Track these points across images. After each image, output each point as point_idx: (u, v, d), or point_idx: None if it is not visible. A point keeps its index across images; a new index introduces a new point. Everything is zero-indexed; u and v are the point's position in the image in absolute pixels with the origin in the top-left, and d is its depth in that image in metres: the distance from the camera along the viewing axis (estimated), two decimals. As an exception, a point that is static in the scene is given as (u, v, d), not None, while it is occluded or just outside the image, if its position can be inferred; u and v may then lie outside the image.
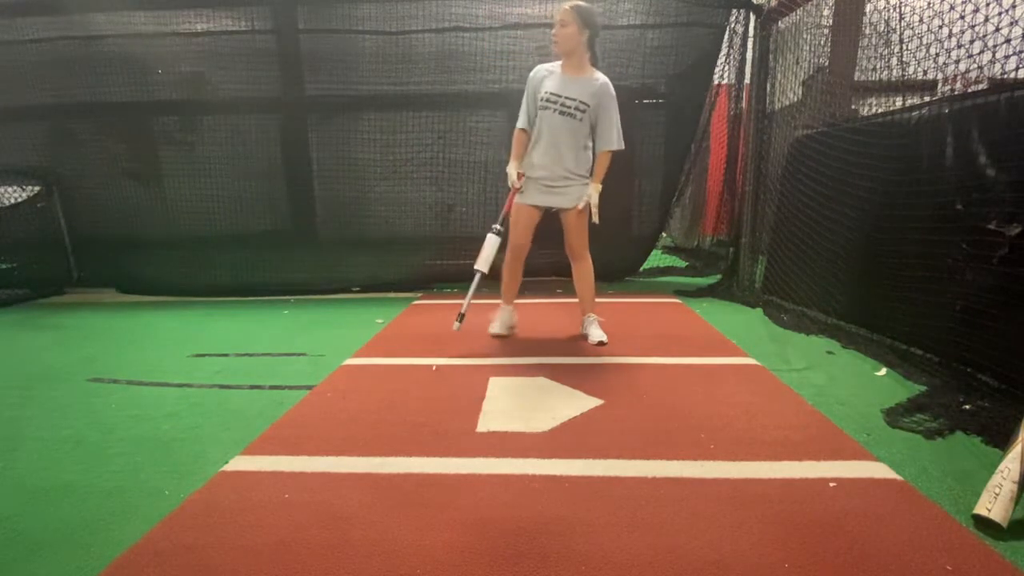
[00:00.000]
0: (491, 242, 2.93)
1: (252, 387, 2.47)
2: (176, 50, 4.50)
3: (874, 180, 2.81)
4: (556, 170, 2.83)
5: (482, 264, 2.93)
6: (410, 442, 1.88)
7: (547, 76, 2.80)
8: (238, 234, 4.69)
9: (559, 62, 2.81)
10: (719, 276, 4.62)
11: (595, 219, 2.85)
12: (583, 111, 2.74)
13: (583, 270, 3.02)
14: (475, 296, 3.01)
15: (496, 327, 3.12)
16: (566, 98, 2.74)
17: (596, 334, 3.01)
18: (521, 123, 2.89)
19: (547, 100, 2.76)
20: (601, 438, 1.90)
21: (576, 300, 3.15)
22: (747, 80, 4.33)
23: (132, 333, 3.52)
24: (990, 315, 2.14)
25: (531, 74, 2.85)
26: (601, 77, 2.79)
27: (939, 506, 1.48)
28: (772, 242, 3.84)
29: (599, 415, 2.09)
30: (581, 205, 2.83)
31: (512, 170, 2.89)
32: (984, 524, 1.38)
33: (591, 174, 2.88)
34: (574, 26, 2.67)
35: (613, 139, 2.79)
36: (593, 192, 2.82)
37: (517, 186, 2.89)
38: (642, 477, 1.65)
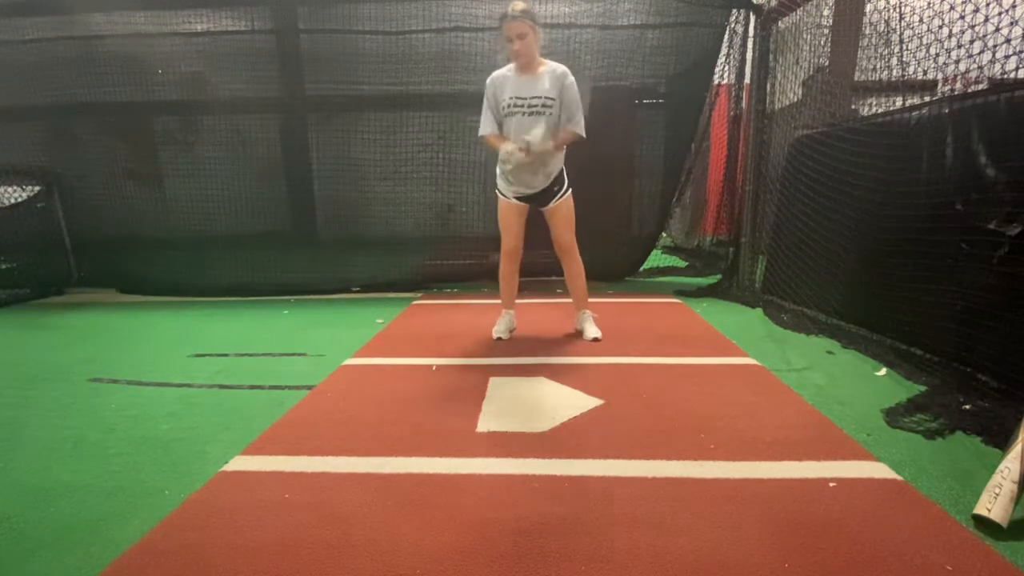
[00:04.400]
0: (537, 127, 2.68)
1: (252, 387, 2.47)
2: (176, 50, 4.50)
3: (874, 180, 2.81)
4: (535, 176, 2.83)
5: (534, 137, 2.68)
6: (410, 442, 1.88)
7: (504, 81, 2.78)
8: (238, 234, 4.69)
9: (511, 65, 2.79)
10: (719, 276, 4.62)
11: (532, 140, 2.64)
12: (550, 106, 2.73)
13: (574, 267, 3.06)
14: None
15: (499, 330, 3.14)
16: (531, 98, 2.72)
17: (591, 330, 3.07)
18: (486, 129, 2.84)
19: (513, 105, 2.75)
20: (601, 438, 1.90)
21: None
22: (747, 80, 4.33)
23: (132, 333, 3.52)
24: (990, 315, 2.14)
25: (490, 82, 2.81)
26: (559, 66, 2.77)
27: (939, 506, 1.48)
28: (772, 242, 3.84)
29: (599, 415, 2.09)
30: (527, 138, 2.65)
31: (508, 145, 2.68)
32: (984, 524, 1.38)
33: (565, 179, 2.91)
34: (532, 33, 2.67)
35: (580, 124, 2.78)
36: (542, 137, 2.65)
37: (523, 151, 2.67)
38: (642, 477, 1.65)
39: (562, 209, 2.93)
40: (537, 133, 2.64)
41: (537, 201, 2.93)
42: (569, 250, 3.01)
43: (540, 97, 2.72)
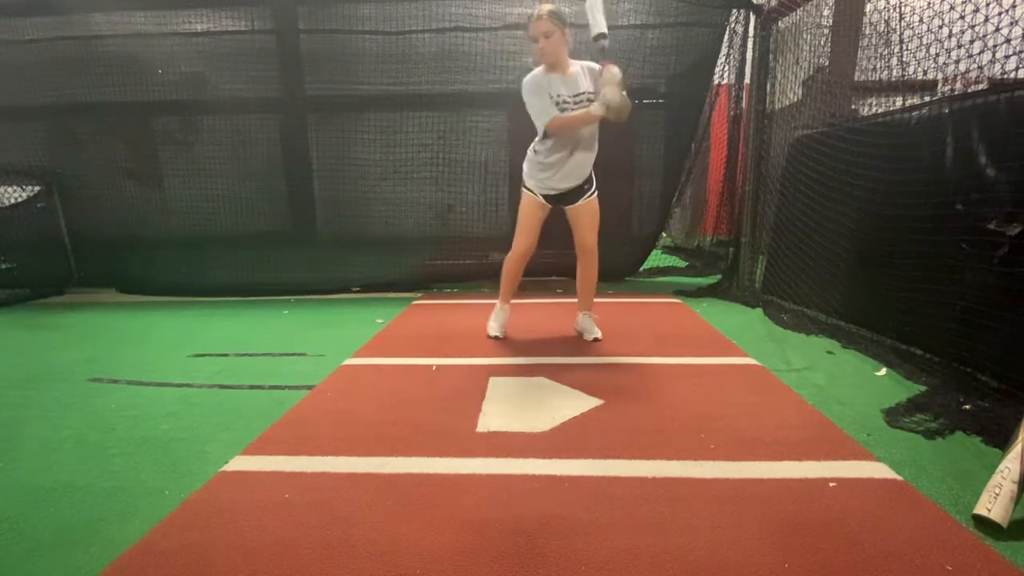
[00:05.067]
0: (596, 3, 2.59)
1: (252, 387, 2.47)
2: (176, 50, 4.50)
3: (874, 180, 2.81)
4: (572, 177, 2.82)
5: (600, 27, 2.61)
6: (410, 442, 1.88)
7: (548, 80, 2.72)
8: (238, 234, 4.69)
9: (540, 68, 2.74)
10: (719, 276, 4.62)
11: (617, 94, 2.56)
12: (593, 100, 2.68)
13: (591, 270, 3.03)
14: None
15: (495, 328, 3.14)
16: (575, 95, 2.70)
17: (592, 331, 3.09)
18: (550, 115, 2.69)
19: (563, 102, 2.70)
20: (601, 438, 1.90)
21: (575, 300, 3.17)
22: (747, 80, 4.33)
23: (132, 333, 3.52)
24: (990, 315, 2.14)
25: (533, 80, 2.72)
26: (593, 64, 2.74)
27: (939, 506, 1.48)
28: (772, 242, 3.84)
29: (599, 415, 2.09)
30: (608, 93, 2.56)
31: (601, 98, 2.56)
32: (984, 524, 1.38)
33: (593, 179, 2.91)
34: (558, 32, 2.64)
35: None
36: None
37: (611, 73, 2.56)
38: (642, 477, 1.65)
39: (590, 209, 2.91)
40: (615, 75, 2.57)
41: (565, 200, 2.90)
42: (592, 252, 2.98)
43: (583, 93, 2.70)
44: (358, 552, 1.33)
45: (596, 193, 2.93)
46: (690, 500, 1.53)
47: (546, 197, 2.89)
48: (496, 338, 3.10)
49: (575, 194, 2.88)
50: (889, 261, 2.68)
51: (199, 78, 4.66)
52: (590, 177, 2.90)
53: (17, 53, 4.56)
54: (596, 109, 2.61)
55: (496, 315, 3.18)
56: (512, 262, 3.05)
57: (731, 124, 4.94)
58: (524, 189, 2.93)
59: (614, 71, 2.58)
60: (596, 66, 2.70)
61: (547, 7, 2.65)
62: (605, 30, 2.62)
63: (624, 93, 2.58)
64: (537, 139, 2.84)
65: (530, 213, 2.93)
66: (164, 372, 2.69)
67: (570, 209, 2.93)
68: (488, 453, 1.80)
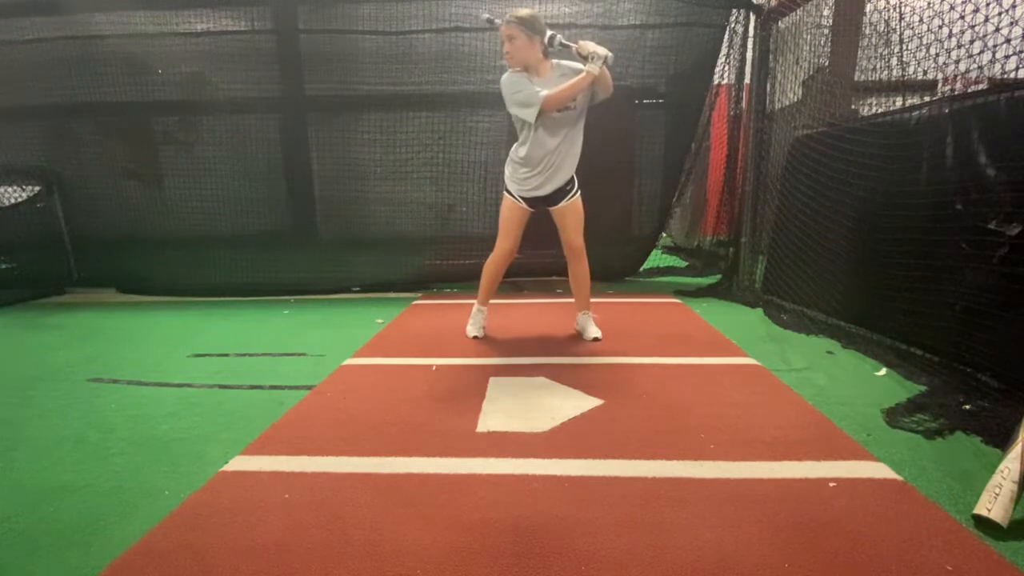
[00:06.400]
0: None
1: (252, 387, 2.47)
2: (176, 50, 4.50)
3: (874, 180, 2.81)
4: (554, 180, 2.82)
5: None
6: (410, 442, 1.88)
7: (527, 76, 2.69)
8: (238, 234, 4.69)
9: (523, 73, 2.72)
10: (719, 276, 4.62)
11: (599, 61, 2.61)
12: (574, 100, 2.69)
13: (582, 269, 3.04)
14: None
15: (474, 330, 3.15)
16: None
17: (592, 330, 3.08)
18: (540, 95, 2.62)
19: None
20: (601, 438, 1.90)
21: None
22: (747, 80, 4.33)
23: (132, 333, 3.52)
24: (990, 315, 2.14)
25: (513, 76, 2.70)
26: (573, 64, 2.72)
27: (939, 506, 1.48)
28: (772, 242, 3.83)
29: (599, 415, 2.09)
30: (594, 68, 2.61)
31: (595, 61, 2.58)
32: (984, 524, 1.38)
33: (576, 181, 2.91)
34: (523, 37, 2.63)
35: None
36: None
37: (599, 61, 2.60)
38: (642, 477, 1.65)
39: (574, 209, 2.92)
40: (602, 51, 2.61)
41: (548, 201, 2.90)
42: (580, 252, 2.99)
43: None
44: (358, 552, 1.33)
45: (579, 193, 2.93)
46: (690, 500, 1.53)
47: (527, 200, 2.89)
48: (476, 337, 3.11)
49: (558, 195, 2.88)
50: (889, 261, 2.68)
51: (199, 78, 4.66)
52: (572, 178, 2.90)
53: (17, 53, 4.56)
54: (591, 68, 2.59)
55: (474, 316, 3.19)
56: (493, 264, 3.06)
57: (731, 124, 4.94)
58: (505, 192, 2.94)
59: (583, 42, 2.63)
60: (575, 64, 2.70)
61: (519, 12, 2.64)
62: (609, 55, 2.63)
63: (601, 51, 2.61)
64: (518, 143, 2.85)
65: (511, 216, 2.93)
66: (164, 372, 2.69)
67: (554, 210, 2.93)
68: (488, 453, 1.80)
